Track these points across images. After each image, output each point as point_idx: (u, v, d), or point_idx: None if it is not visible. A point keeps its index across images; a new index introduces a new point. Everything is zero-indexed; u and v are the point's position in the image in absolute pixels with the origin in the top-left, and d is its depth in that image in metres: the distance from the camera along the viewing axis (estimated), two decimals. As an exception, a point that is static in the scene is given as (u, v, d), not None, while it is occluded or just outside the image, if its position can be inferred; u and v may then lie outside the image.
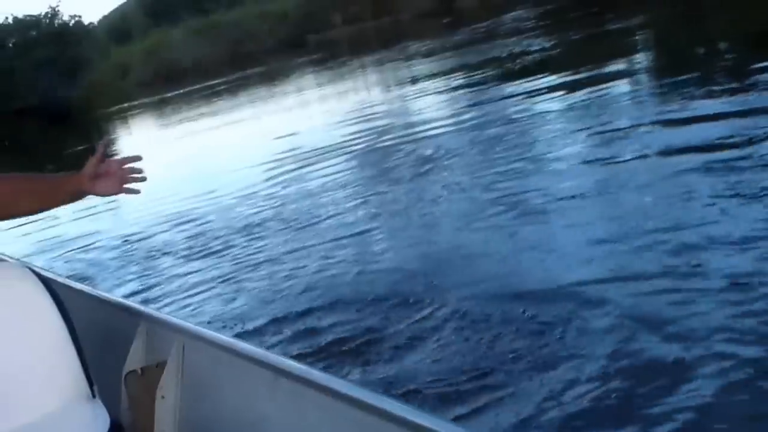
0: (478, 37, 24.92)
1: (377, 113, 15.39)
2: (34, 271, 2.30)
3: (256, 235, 8.39)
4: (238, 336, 4.96)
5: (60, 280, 3.39)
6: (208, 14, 63.09)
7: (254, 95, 28.04)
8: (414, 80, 19.26)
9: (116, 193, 2.60)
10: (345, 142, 12.88)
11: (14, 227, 13.03)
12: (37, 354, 2.20)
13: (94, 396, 2.23)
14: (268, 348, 3.42)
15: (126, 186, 2.60)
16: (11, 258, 4.13)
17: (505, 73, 16.15)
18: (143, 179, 2.63)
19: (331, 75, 26.92)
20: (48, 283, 2.28)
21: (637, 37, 15.29)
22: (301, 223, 8.39)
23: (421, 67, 21.80)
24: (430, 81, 18.05)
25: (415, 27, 35.99)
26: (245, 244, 8.17)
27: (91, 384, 2.24)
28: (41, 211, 2.73)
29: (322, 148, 12.80)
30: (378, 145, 11.75)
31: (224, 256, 7.93)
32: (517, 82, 14.33)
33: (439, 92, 16.05)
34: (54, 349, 2.21)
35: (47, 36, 57.80)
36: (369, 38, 39.08)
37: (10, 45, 59.02)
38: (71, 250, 9.89)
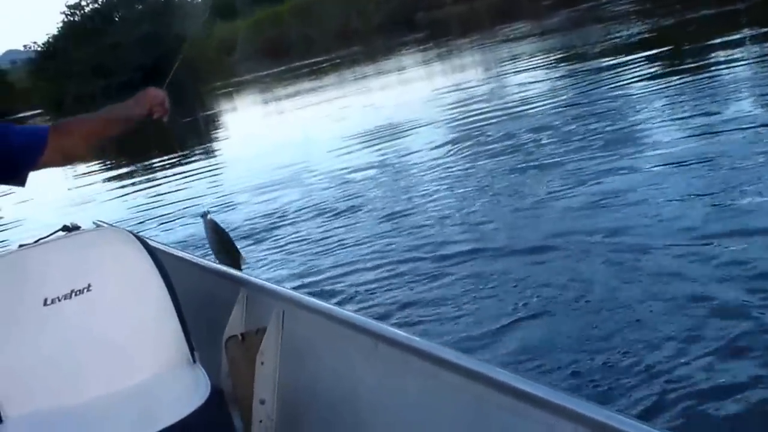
0: (584, 18, 24.56)
1: (475, 92, 15.22)
2: (137, 237, 2.33)
3: (350, 207, 8.42)
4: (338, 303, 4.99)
5: (161, 247, 3.43)
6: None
7: (357, 73, 28.04)
8: (514, 60, 19.03)
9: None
10: (440, 119, 12.81)
11: (118, 198, 13.40)
12: (141, 318, 2.23)
13: (194, 361, 2.24)
14: (367, 314, 3.41)
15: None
16: (114, 225, 4.20)
17: (605, 54, 15.83)
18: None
19: (436, 54, 26.78)
20: (150, 250, 2.30)
21: (742, 22, 14.79)
22: (393, 198, 8.38)
23: (522, 47, 21.48)
24: (529, 62, 17.83)
25: (527, 6, 35.40)
26: (336, 216, 8.19)
27: (192, 350, 2.25)
28: (98, 144, 2.93)
29: (417, 124, 12.82)
30: (474, 123, 11.62)
31: (329, 225, 7.96)
32: (616, 63, 14.03)
33: (537, 73, 15.82)
34: (157, 314, 2.24)
35: (152, 10, 58.78)
36: (478, 17, 38.48)
37: (116, 19, 60.22)
38: (170, 220, 10.06)
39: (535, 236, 6.11)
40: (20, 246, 2.31)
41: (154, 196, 12.46)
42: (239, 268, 3.54)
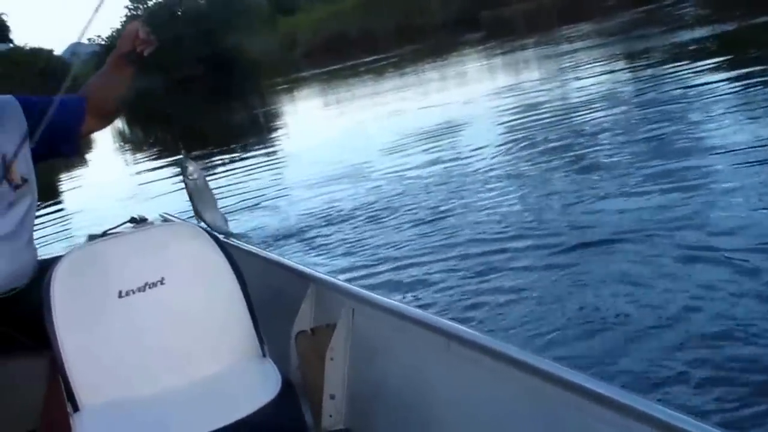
0: (649, 20, 24.29)
1: (534, 92, 15.08)
2: (207, 232, 2.36)
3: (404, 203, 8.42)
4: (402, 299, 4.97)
5: (232, 241, 3.46)
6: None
7: (416, 71, 28.01)
8: (575, 61, 18.86)
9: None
10: (498, 118, 12.69)
11: (178, 189, 13.50)
12: (213, 312, 2.26)
13: (264, 355, 2.26)
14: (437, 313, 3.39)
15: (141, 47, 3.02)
16: (182, 218, 4.24)
17: (669, 57, 15.61)
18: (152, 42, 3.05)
19: (496, 54, 26.59)
20: (221, 244, 2.33)
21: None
22: (450, 195, 8.32)
23: (584, 48, 21.28)
24: (590, 63, 17.66)
25: (591, 5, 34.96)
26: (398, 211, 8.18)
27: (262, 343, 2.27)
28: (121, 96, 3.08)
29: (474, 123, 12.82)
30: (533, 123, 11.52)
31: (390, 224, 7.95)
32: (680, 66, 13.79)
33: (598, 74, 15.62)
34: (229, 308, 2.27)
35: (214, 5, 59.26)
36: (543, 16, 38.15)
37: (179, 13, 60.76)
38: (232, 213, 10.08)
39: (603, 232, 6.03)
40: (90, 236, 2.35)
41: (215, 188, 12.47)
42: (226, 226, 3.54)
